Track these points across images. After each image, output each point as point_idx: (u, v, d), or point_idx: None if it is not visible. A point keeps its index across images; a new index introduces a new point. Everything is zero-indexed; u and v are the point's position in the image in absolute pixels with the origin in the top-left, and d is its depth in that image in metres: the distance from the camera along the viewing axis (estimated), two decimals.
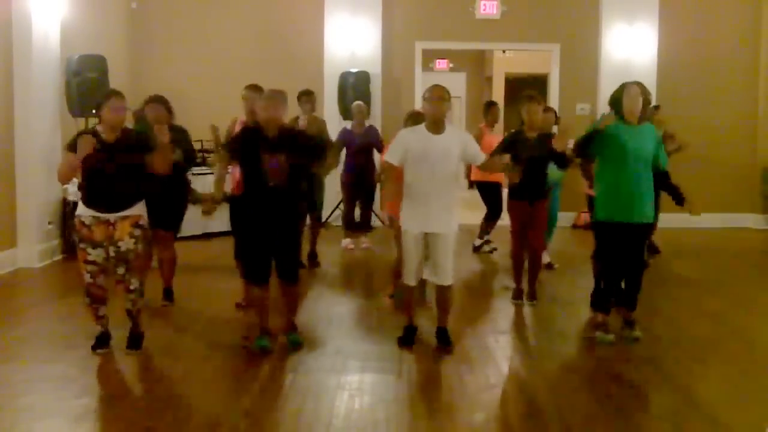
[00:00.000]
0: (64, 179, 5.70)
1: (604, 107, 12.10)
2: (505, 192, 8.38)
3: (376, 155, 9.62)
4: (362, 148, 9.72)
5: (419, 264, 5.85)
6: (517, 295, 7.35)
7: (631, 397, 5.01)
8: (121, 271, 5.63)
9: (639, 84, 6.04)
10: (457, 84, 18.26)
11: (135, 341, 5.80)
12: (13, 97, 8.71)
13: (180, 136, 6.82)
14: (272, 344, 5.81)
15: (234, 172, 6.75)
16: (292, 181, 5.60)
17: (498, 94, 17.91)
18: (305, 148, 5.71)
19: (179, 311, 7.00)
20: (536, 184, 7.09)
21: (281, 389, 5.09)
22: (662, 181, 6.28)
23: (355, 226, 10.27)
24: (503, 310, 7.16)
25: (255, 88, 6.64)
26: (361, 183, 9.77)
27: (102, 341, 5.76)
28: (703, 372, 5.50)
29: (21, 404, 4.79)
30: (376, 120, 11.48)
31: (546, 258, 9.01)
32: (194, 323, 6.63)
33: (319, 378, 5.27)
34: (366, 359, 5.70)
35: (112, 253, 5.59)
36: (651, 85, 11.38)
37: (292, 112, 8.67)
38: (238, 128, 6.70)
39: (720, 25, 12.49)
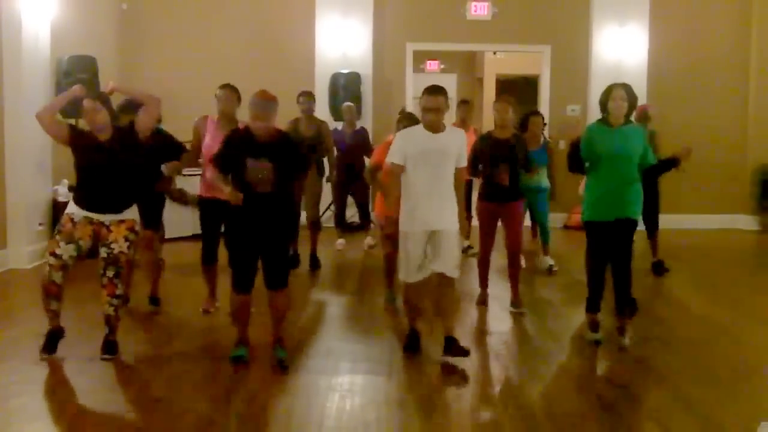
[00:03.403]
0: (42, 114, 5.59)
1: (594, 108, 12.12)
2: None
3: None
4: (352, 149, 9.75)
5: (422, 263, 5.69)
6: (482, 301, 7.27)
7: (622, 397, 5.02)
8: (110, 273, 5.56)
9: (625, 86, 6.05)
10: (448, 85, 17.94)
11: (110, 347, 5.66)
12: (3, 97, 8.68)
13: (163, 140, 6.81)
14: (248, 355, 5.60)
15: (205, 176, 6.72)
16: (280, 187, 5.44)
17: (489, 96, 17.94)
18: (291, 157, 5.51)
19: (170, 314, 6.98)
20: (509, 185, 6.91)
21: (272, 390, 5.08)
22: (654, 172, 6.31)
23: (349, 226, 10.28)
24: (494, 312, 7.16)
25: (229, 88, 6.65)
26: (351, 183, 9.79)
27: (51, 342, 5.62)
28: (693, 372, 5.52)
29: (12, 406, 4.78)
30: (366, 121, 11.49)
31: (548, 261, 8.98)
32: (185, 326, 6.62)
33: (310, 379, 5.27)
34: (357, 360, 5.70)
35: (103, 255, 5.55)
36: (642, 86, 11.44)
37: (291, 114, 8.72)
38: (210, 127, 6.65)
39: (710, 26, 12.52)
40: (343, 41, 11.99)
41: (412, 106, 12.55)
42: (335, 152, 9.54)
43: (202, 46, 12.17)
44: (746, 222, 12.52)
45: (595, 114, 11.96)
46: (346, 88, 11.66)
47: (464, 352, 5.64)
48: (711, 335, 6.50)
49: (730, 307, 7.53)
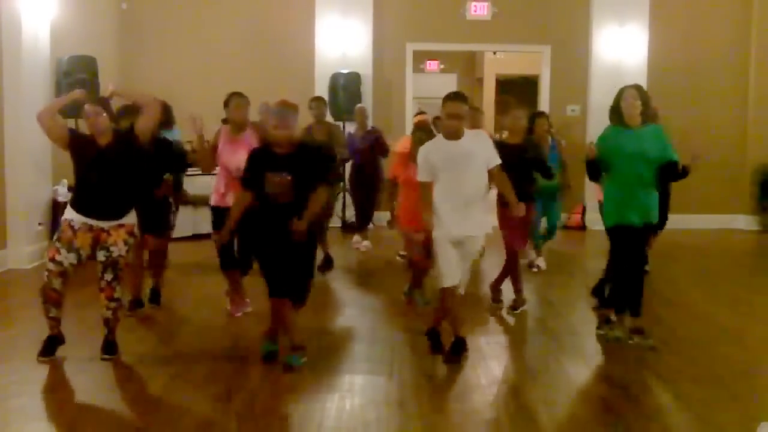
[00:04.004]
0: (42, 115, 5.61)
1: (594, 109, 12.19)
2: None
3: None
4: (363, 151, 9.70)
5: (457, 264, 5.65)
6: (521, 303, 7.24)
7: (621, 397, 5.02)
8: (108, 277, 5.54)
9: (637, 87, 6.02)
10: (447, 85, 18.20)
11: (110, 348, 5.67)
12: (3, 97, 8.68)
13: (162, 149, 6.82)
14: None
15: (218, 185, 6.70)
16: (300, 198, 5.39)
17: (489, 96, 17.98)
18: (313, 167, 5.44)
19: (169, 314, 6.99)
20: (520, 189, 6.67)
21: (272, 390, 5.08)
22: (669, 173, 6.23)
23: (351, 227, 10.29)
24: (495, 315, 7.15)
25: (239, 96, 6.61)
26: (363, 184, 9.79)
27: (49, 346, 5.59)
28: (693, 372, 5.52)
29: (12, 406, 4.79)
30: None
31: (542, 262, 8.95)
32: (185, 326, 6.63)
33: (310, 379, 5.27)
34: (357, 360, 5.70)
35: (101, 258, 5.52)
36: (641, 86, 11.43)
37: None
38: (222, 136, 6.61)
39: (710, 26, 12.53)
40: (342, 41, 12.00)
41: (411, 106, 12.62)
42: (347, 154, 9.50)
43: (201, 45, 12.18)
44: (746, 222, 12.52)
45: (594, 114, 12.10)
46: (346, 88, 11.65)
47: (459, 356, 5.72)
48: (711, 335, 6.49)
49: (729, 307, 7.53)
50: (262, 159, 5.43)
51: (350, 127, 10.69)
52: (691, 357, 5.88)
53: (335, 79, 11.77)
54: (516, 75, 17.16)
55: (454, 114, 5.54)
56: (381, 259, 9.44)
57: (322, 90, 11.68)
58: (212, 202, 6.76)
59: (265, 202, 5.40)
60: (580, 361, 5.80)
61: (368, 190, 9.93)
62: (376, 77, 12.24)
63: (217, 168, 6.75)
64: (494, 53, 16.91)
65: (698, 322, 6.89)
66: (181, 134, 7.89)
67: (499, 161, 5.72)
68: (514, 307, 7.12)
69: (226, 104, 6.63)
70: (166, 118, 7.86)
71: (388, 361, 5.65)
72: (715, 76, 12.51)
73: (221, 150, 6.55)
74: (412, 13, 12.50)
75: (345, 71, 11.81)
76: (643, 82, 11.62)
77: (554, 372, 5.56)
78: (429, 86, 17.25)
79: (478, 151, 5.62)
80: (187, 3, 12.32)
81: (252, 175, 5.43)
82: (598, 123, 11.64)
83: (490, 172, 5.69)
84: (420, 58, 16.19)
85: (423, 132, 6.87)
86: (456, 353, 5.73)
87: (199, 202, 9.53)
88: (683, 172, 6.27)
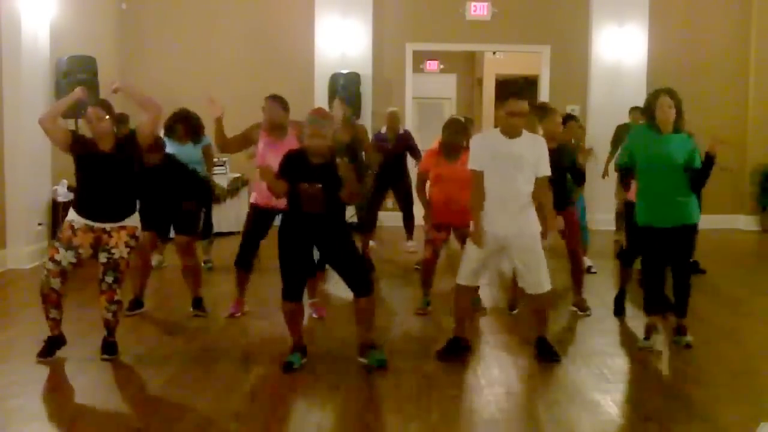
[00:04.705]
0: (44, 119, 5.60)
1: (594, 109, 12.18)
2: None
3: (410, 161, 9.80)
4: (393, 154, 9.61)
5: (480, 268, 5.67)
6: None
7: (620, 398, 5.02)
8: (109, 279, 5.54)
9: (671, 93, 5.94)
10: (447, 85, 18.25)
11: (110, 348, 5.68)
12: (2, 97, 8.67)
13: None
14: (303, 361, 5.53)
15: (259, 184, 6.65)
16: (332, 205, 5.38)
17: (488, 96, 17.92)
18: (341, 178, 5.36)
19: (169, 314, 6.98)
20: (557, 194, 6.50)
21: (272, 390, 5.09)
22: (697, 180, 6.21)
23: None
24: (495, 315, 7.15)
25: (277, 99, 6.55)
26: (387, 188, 9.72)
27: (49, 347, 5.60)
28: (693, 373, 5.52)
29: (11, 406, 4.78)
30: (366, 121, 11.45)
31: (587, 262, 8.90)
32: (185, 326, 6.62)
33: (310, 379, 5.27)
34: (356, 361, 5.68)
35: (103, 260, 5.53)
36: (641, 87, 11.45)
37: (294, 115, 8.69)
38: (262, 135, 6.56)
39: (710, 27, 12.51)
40: (342, 41, 11.97)
41: (411, 107, 12.60)
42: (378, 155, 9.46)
43: (201, 46, 12.17)
44: (746, 222, 12.52)
45: (594, 114, 12.07)
46: (345, 88, 11.61)
47: (552, 357, 5.70)
48: (711, 336, 6.48)
49: (730, 307, 7.53)
50: (296, 164, 5.40)
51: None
52: (691, 357, 5.87)
53: (335, 79, 11.75)
54: (516, 75, 17.12)
55: (517, 111, 5.43)
56: (383, 260, 9.43)
57: (321, 90, 11.68)
58: (253, 199, 6.73)
59: (296, 208, 5.40)
60: (580, 362, 5.80)
61: (401, 193, 9.83)
62: (376, 77, 12.22)
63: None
64: (494, 53, 16.87)
65: (698, 323, 6.87)
66: (211, 140, 7.90)
67: (549, 173, 5.61)
68: (512, 308, 7.12)
69: (263, 108, 6.59)
70: (196, 130, 8.00)
71: (388, 361, 5.64)
72: (715, 76, 12.49)
73: (264, 153, 6.46)
74: (412, 13, 12.48)
75: (345, 71, 11.79)
76: (642, 83, 11.67)
77: (554, 372, 5.55)
78: (429, 86, 17.22)
79: (530, 156, 5.49)
80: (187, 3, 12.30)
81: (283, 175, 5.40)
82: (597, 123, 11.74)
83: (535, 180, 5.57)
84: (420, 58, 16.16)
85: (449, 129, 6.87)
86: (452, 352, 5.74)
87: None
88: (706, 166, 6.26)
